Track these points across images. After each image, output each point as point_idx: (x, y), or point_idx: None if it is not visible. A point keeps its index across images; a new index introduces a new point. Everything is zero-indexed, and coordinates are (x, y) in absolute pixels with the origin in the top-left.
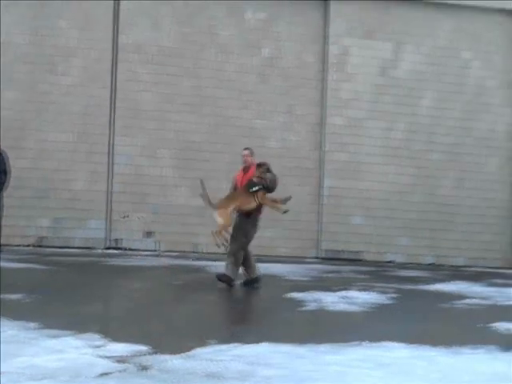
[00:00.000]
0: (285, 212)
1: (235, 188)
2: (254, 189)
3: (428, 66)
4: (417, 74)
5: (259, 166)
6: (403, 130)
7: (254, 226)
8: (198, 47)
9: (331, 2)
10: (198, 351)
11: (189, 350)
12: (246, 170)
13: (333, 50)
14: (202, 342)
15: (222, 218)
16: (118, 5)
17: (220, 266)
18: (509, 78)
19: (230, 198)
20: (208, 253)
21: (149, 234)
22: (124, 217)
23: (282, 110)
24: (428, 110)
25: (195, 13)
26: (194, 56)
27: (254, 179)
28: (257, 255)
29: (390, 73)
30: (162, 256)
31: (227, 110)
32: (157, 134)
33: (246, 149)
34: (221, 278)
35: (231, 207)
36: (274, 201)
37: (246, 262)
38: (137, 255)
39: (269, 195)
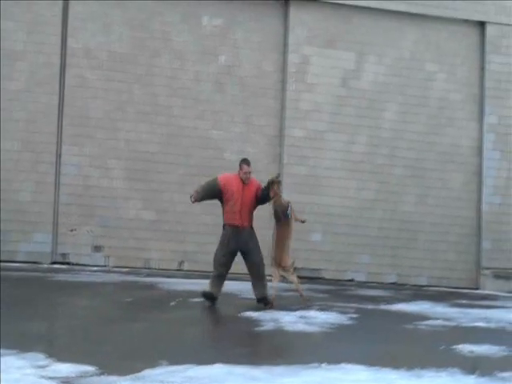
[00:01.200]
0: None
1: (231, 195)
2: (289, 213)
3: (391, 77)
4: (379, 86)
5: (273, 183)
6: (365, 143)
7: None
8: (152, 53)
9: (291, 9)
10: (148, 372)
11: (138, 371)
12: (245, 181)
13: (293, 58)
14: (153, 363)
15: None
16: (68, 7)
17: (173, 283)
18: (474, 91)
19: (290, 238)
20: (160, 269)
21: (98, 248)
22: (72, 230)
23: (239, 121)
24: (391, 123)
25: (148, 17)
26: (147, 62)
27: (281, 203)
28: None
29: (351, 84)
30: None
31: (182, 120)
32: (107, 144)
33: (249, 164)
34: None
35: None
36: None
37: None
38: (85, 271)
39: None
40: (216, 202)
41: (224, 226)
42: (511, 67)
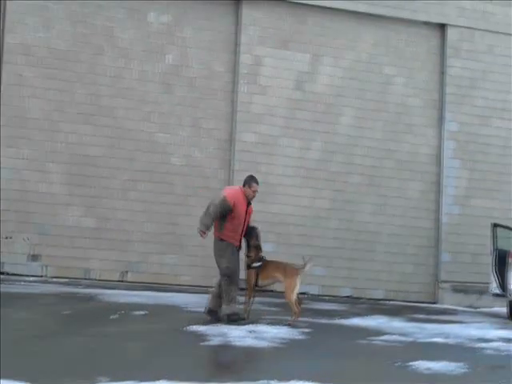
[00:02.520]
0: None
1: (238, 216)
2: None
3: (348, 80)
4: (336, 89)
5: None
6: (320, 149)
7: None
8: (95, 51)
9: (243, 8)
10: None
11: None
12: (251, 200)
13: (244, 59)
14: (91, 380)
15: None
16: (5, 1)
17: (114, 295)
18: (433, 96)
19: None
20: (101, 280)
21: (35, 257)
22: (7, 237)
23: (187, 124)
24: (347, 128)
25: (92, 13)
26: (90, 60)
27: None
28: (156, 283)
29: (306, 87)
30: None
31: (126, 122)
32: (46, 146)
33: (258, 183)
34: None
35: None
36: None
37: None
38: (21, 281)
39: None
40: (160, 209)
41: (221, 239)
42: (472, 72)
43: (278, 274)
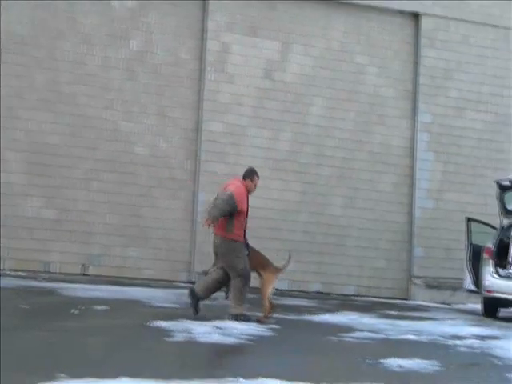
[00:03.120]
0: None
1: (244, 212)
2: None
3: (318, 69)
4: (306, 79)
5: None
6: (289, 140)
7: None
8: (55, 35)
9: None
10: None
11: None
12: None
13: (211, 46)
14: (49, 376)
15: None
16: None
17: (75, 289)
18: (407, 87)
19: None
20: (61, 273)
21: None
22: None
23: (152, 112)
24: (318, 118)
25: None
26: (50, 45)
27: None
28: (119, 277)
29: (275, 75)
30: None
31: (88, 110)
32: (4, 134)
33: (259, 177)
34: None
35: None
36: None
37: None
38: None
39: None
40: (123, 200)
41: (233, 240)
42: (447, 63)
43: (260, 266)
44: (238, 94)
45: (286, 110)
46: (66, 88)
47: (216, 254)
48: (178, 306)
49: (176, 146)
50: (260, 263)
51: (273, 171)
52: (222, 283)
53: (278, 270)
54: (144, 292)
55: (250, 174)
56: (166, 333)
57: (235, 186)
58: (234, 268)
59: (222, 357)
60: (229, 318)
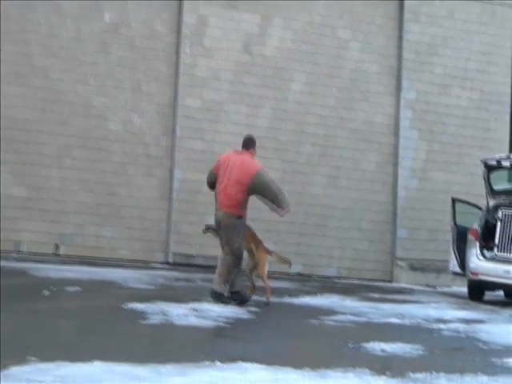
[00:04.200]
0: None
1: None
2: None
3: (299, 44)
4: (286, 53)
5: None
6: (269, 116)
7: None
8: (25, 6)
9: None
10: (14, 370)
11: (3, 368)
12: None
13: (188, 19)
14: (20, 360)
15: None
16: None
17: (46, 269)
18: (390, 63)
19: None
20: (32, 253)
21: None
22: None
23: (126, 87)
24: (298, 94)
25: None
26: (20, 16)
27: None
28: (92, 257)
29: (254, 49)
30: None
31: (60, 84)
32: None
33: None
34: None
35: None
36: None
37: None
38: None
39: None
40: (96, 178)
41: (240, 217)
42: (432, 38)
43: (253, 244)
44: (215, 69)
45: (265, 85)
46: (37, 61)
47: (218, 226)
48: (153, 287)
49: (151, 121)
50: (254, 239)
51: None
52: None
53: (268, 251)
54: (118, 273)
55: (253, 143)
56: (141, 315)
57: (254, 161)
58: (231, 245)
59: (198, 340)
60: (209, 292)
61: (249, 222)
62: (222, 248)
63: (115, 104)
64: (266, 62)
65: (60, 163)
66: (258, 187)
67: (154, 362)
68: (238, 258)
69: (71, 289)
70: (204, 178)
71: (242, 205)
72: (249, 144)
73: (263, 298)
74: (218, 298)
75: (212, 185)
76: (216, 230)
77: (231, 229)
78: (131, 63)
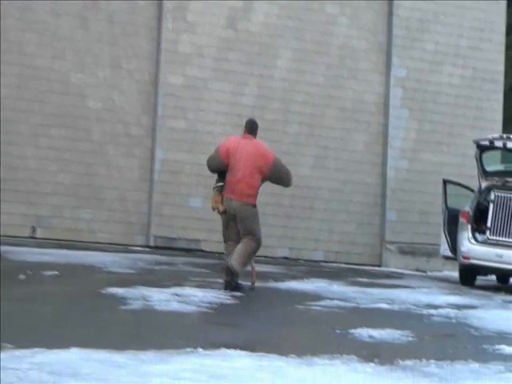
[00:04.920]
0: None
1: None
2: None
3: (285, 19)
4: (272, 29)
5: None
6: (254, 94)
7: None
8: None
9: None
10: None
11: None
12: None
13: None
14: None
15: None
16: None
17: (23, 253)
18: (380, 39)
19: None
20: (7, 236)
21: None
22: None
23: (105, 63)
24: (284, 72)
25: None
26: None
27: None
28: (70, 240)
29: (239, 25)
30: None
31: (36, 59)
32: None
33: None
34: None
35: None
36: None
37: None
38: None
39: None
40: (74, 158)
41: (255, 205)
42: (423, 13)
43: None
44: (198, 45)
45: (250, 62)
46: (13, 36)
47: (232, 216)
48: (133, 271)
49: (132, 99)
50: None
51: (236, 128)
52: None
53: None
54: (97, 256)
55: (257, 128)
56: (121, 300)
57: (267, 147)
58: (253, 233)
59: (180, 326)
60: (226, 265)
61: None
62: (228, 237)
63: (94, 81)
64: (252, 38)
65: (36, 142)
66: (274, 175)
67: (134, 348)
68: (258, 245)
69: (48, 273)
70: (186, 159)
71: (257, 192)
72: (255, 129)
73: (248, 283)
74: (233, 277)
75: (216, 171)
76: (227, 218)
77: (251, 219)
78: (111, 39)
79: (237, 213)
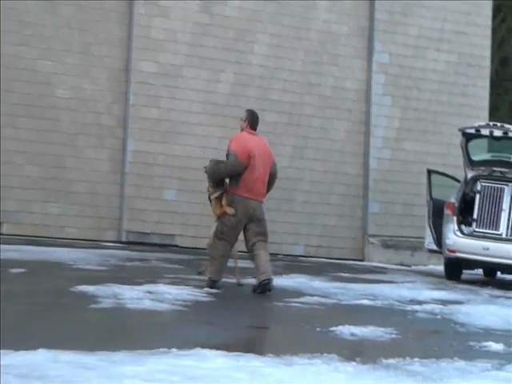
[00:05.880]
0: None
1: None
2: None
3: (263, 3)
4: (248, 13)
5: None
6: (230, 82)
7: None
8: None
9: None
10: None
11: None
12: None
13: None
14: None
15: None
16: None
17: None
18: (361, 23)
19: None
20: None
21: None
22: None
23: (74, 50)
24: (262, 58)
25: None
26: None
27: None
28: (38, 236)
29: (214, 9)
30: None
31: (3, 46)
32: None
33: None
34: None
35: None
36: None
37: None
38: None
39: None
40: (42, 150)
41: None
42: None
43: None
44: (172, 30)
45: (226, 47)
46: None
47: (249, 215)
48: (104, 268)
49: (102, 88)
50: None
51: (212, 117)
52: None
53: None
54: (67, 253)
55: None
56: (92, 298)
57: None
58: (267, 234)
59: (154, 325)
60: (267, 283)
61: (196, 199)
62: (229, 237)
63: (63, 69)
64: (227, 23)
65: (2, 133)
66: (272, 175)
67: (105, 349)
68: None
69: (15, 270)
70: (160, 150)
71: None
72: (255, 122)
73: (224, 279)
74: (270, 281)
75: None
76: (239, 220)
77: (264, 218)
78: (80, 24)
79: (256, 212)
